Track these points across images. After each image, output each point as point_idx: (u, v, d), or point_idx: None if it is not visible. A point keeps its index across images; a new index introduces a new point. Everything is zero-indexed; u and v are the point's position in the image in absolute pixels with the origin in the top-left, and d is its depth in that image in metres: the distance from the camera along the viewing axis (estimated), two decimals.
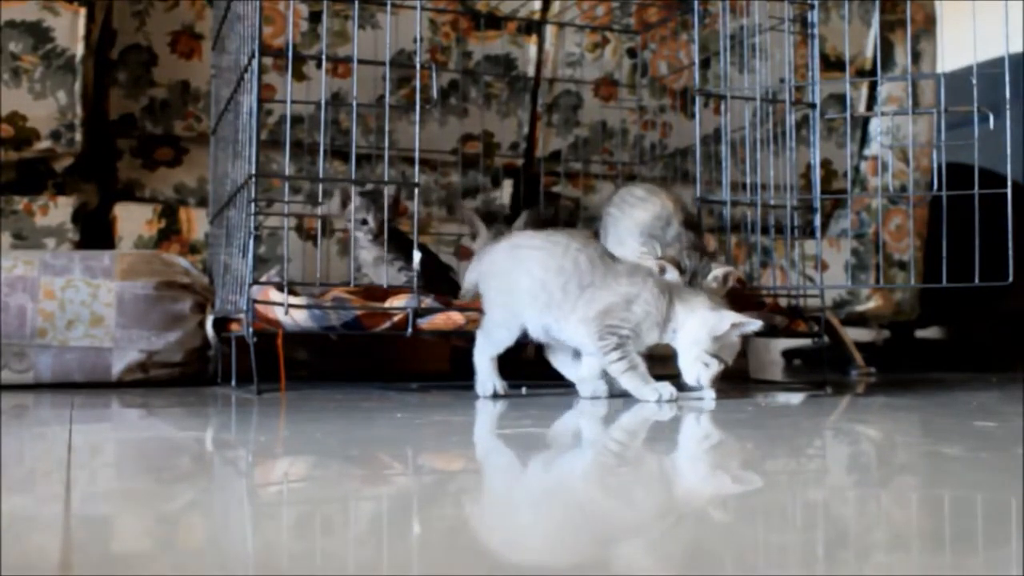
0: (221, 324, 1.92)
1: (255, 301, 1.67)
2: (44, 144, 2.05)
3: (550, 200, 2.45)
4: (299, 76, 2.14)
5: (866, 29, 2.74)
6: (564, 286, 1.57)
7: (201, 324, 1.94)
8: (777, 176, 2.00)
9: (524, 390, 1.72)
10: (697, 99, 1.93)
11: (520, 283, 1.60)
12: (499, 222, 2.25)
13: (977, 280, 1.80)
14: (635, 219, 1.81)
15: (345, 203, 2.07)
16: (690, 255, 1.70)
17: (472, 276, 1.71)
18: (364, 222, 2.04)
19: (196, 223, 2.20)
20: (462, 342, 2.00)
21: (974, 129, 1.88)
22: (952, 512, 0.75)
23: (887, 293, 2.72)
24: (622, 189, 1.93)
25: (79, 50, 2.02)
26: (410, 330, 1.71)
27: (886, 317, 2.80)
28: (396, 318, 1.73)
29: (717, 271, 1.71)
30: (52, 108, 2.02)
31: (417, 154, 1.76)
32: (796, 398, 1.75)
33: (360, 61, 1.73)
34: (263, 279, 1.77)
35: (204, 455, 1.09)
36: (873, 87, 2.77)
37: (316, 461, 0.99)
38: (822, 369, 2.35)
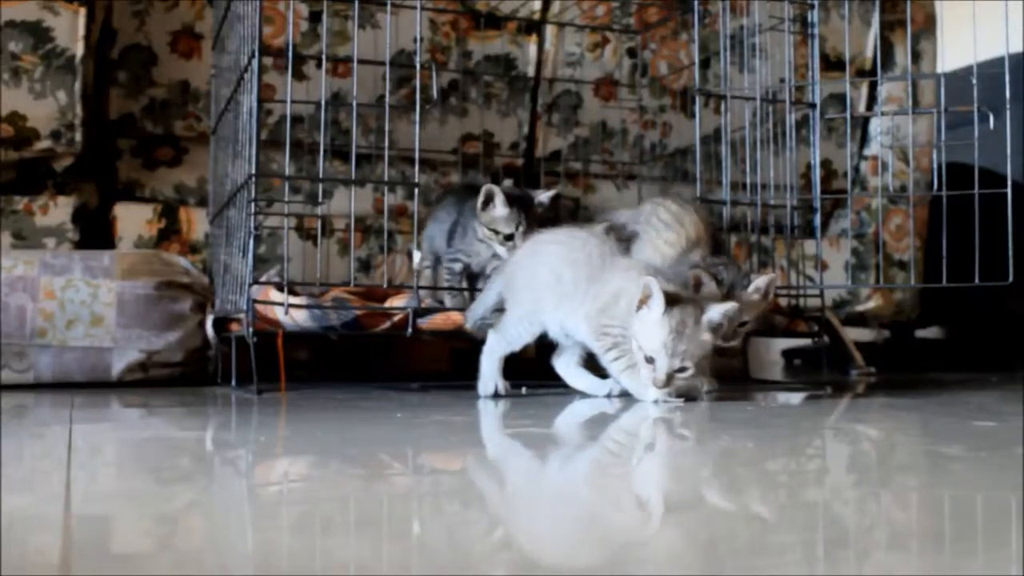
0: (221, 324, 1.92)
1: (255, 301, 1.67)
2: (44, 144, 2.05)
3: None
4: (299, 76, 2.14)
5: (866, 29, 2.74)
6: (575, 278, 1.59)
7: (201, 324, 1.94)
8: (777, 176, 2.00)
9: (524, 390, 1.72)
10: (697, 99, 1.93)
11: (541, 276, 1.61)
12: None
13: (977, 280, 1.80)
14: (656, 250, 1.79)
15: (487, 204, 1.82)
16: (727, 267, 1.69)
17: (498, 285, 1.69)
18: (510, 238, 1.80)
19: (196, 223, 2.20)
20: (462, 342, 2.00)
21: (974, 129, 1.88)
22: (952, 512, 0.75)
23: (887, 293, 2.72)
24: (650, 204, 1.87)
25: (79, 50, 2.02)
26: (410, 330, 1.71)
27: (886, 317, 2.80)
28: (396, 318, 1.73)
29: (758, 281, 1.67)
30: (52, 108, 2.02)
31: (417, 154, 1.76)
32: (796, 398, 1.75)
33: (360, 61, 1.73)
34: (263, 279, 1.78)
35: (204, 455, 1.09)
36: (873, 87, 2.77)
37: (316, 461, 0.99)
38: (822, 369, 2.35)
